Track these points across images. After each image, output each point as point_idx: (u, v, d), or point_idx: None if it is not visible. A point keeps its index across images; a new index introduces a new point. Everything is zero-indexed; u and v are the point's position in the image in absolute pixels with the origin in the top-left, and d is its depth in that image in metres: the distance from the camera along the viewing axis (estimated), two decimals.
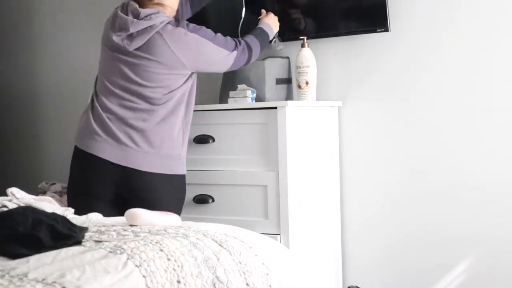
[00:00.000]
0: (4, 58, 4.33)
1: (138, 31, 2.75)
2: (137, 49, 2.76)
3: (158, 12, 2.79)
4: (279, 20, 3.12)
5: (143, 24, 2.75)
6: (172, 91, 2.79)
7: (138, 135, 2.76)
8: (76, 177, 2.88)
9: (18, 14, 4.26)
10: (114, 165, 2.75)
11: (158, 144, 2.77)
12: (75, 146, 2.86)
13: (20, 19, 4.24)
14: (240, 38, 2.95)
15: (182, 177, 2.85)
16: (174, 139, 2.79)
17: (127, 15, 2.79)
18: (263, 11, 3.13)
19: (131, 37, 2.76)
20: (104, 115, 2.79)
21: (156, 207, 2.62)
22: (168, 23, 2.79)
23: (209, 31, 2.85)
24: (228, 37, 2.89)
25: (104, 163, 2.76)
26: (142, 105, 2.78)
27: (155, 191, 2.77)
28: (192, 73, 2.84)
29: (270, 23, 3.08)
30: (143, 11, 2.77)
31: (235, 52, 2.88)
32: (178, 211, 2.81)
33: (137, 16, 2.77)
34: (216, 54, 2.85)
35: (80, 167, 2.85)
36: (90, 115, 2.82)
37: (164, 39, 2.76)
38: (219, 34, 2.86)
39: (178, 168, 2.81)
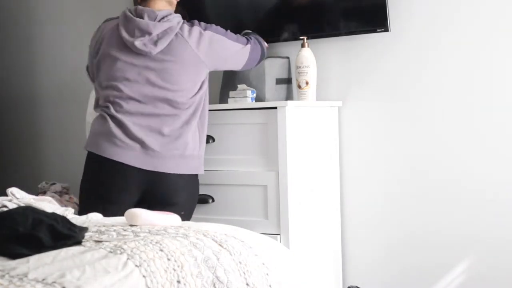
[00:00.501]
0: (4, 58, 4.33)
1: (158, 34, 2.73)
2: (160, 52, 2.74)
3: (171, 13, 2.79)
4: (279, 20, 3.12)
5: (164, 26, 2.74)
6: (194, 94, 2.79)
7: (164, 139, 2.74)
8: (94, 183, 2.78)
9: (18, 14, 4.26)
10: (141, 171, 2.72)
11: (182, 146, 2.76)
12: (90, 152, 2.77)
13: (20, 19, 4.24)
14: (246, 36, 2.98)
15: (199, 176, 2.89)
16: (196, 140, 2.80)
17: (142, 18, 2.75)
18: None
19: (153, 40, 2.73)
20: (126, 120, 2.72)
21: (179, 208, 2.72)
22: (184, 23, 2.80)
23: (219, 27, 2.86)
24: (238, 34, 2.92)
25: (129, 169, 2.71)
26: (166, 109, 2.75)
27: (182, 192, 2.80)
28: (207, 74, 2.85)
29: None
30: (160, 13, 2.75)
31: (248, 46, 2.91)
32: (193, 210, 2.87)
33: (154, 18, 2.75)
34: (231, 48, 2.87)
35: (99, 172, 2.76)
36: (109, 121, 2.73)
37: (186, 40, 2.76)
38: (229, 30, 2.88)
39: (200, 167, 2.83)
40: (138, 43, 2.72)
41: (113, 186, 2.73)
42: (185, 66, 2.76)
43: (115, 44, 2.78)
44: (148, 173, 2.72)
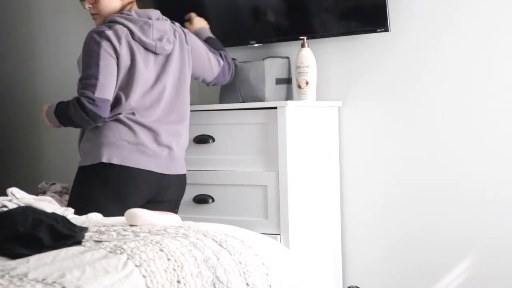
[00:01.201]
0: (4, 58, 4.33)
1: (173, 35, 2.78)
2: (174, 53, 2.76)
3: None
4: (279, 20, 3.12)
5: (173, 28, 2.79)
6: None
7: (180, 141, 2.78)
8: (113, 193, 2.65)
9: (18, 14, 4.25)
10: (164, 176, 2.73)
11: (185, 145, 2.82)
12: (114, 165, 2.62)
13: (20, 19, 4.24)
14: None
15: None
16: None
17: (150, 19, 2.74)
18: (192, 15, 3.15)
19: (169, 42, 2.74)
20: (157, 127, 2.70)
21: (176, 206, 2.79)
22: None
23: None
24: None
25: (155, 175, 2.70)
26: (185, 109, 2.79)
27: (183, 191, 2.87)
28: None
29: (207, 25, 3.11)
30: (160, 15, 2.78)
31: (219, 58, 2.94)
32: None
33: (157, 18, 2.77)
34: (206, 55, 2.91)
35: (121, 183, 2.64)
36: (136, 130, 2.66)
37: (186, 41, 2.82)
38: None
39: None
40: (166, 45, 2.73)
41: (135, 195, 2.66)
42: (189, 64, 2.84)
43: (139, 49, 2.69)
44: (167, 177, 2.74)
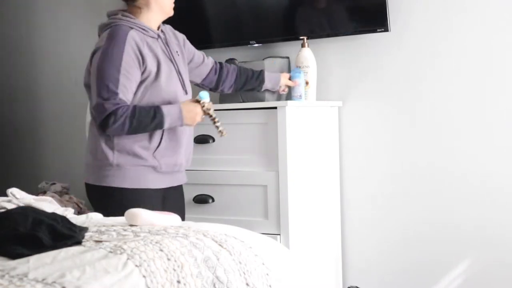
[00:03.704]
0: (4, 58, 4.33)
1: None
2: None
3: None
4: (279, 20, 3.10)
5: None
6: None
7: None
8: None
9: (18, 14, 4.26)
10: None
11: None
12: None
13: (20, 19, 4.24)
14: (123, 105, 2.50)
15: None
16: None
17: None
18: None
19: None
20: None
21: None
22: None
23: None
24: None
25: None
26: None
27: None
28: None
29: (186, 110, 2.58)
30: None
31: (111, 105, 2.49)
32: None
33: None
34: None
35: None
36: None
37: None
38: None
39: None
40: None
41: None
42: None
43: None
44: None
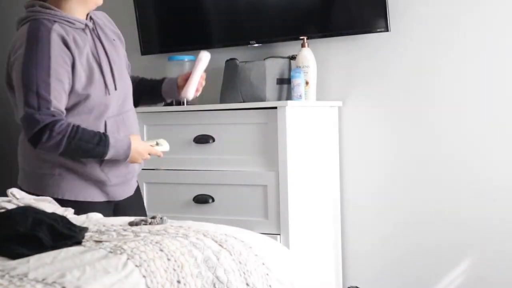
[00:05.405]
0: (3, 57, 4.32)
1: None
2: None
3: None
4: (279, 20, 3.09)
5: None
6: None
7: None
8: None
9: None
10: None
11: None
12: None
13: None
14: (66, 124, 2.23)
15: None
16: None
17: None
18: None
19: None
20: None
21: None
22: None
23: None
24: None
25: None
26: None
27: None
28: None
29: (135, 150, 2.33)
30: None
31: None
32: None
33: None
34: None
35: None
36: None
37: None
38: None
39: None
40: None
41: None
42: None
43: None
44: None
